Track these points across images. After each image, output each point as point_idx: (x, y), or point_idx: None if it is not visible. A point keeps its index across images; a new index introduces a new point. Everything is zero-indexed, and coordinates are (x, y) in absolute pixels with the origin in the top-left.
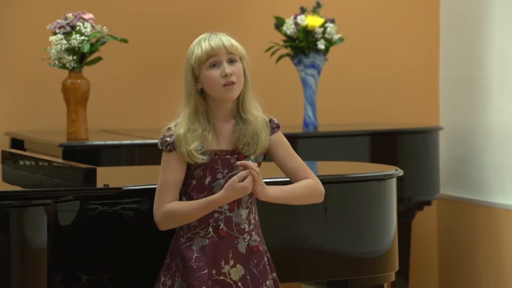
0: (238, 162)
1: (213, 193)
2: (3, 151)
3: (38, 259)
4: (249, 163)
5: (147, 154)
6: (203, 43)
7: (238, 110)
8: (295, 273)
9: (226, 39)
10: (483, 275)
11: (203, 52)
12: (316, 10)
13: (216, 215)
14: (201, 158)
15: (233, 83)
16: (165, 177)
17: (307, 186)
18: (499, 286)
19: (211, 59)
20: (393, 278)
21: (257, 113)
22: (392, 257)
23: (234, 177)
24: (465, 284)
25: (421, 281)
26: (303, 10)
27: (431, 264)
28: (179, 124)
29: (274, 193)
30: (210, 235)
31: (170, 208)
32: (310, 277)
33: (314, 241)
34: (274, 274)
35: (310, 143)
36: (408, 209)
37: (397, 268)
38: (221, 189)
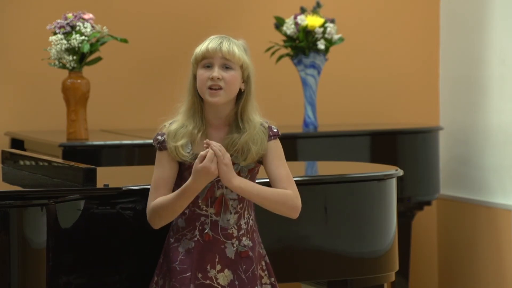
0: (205, 141)
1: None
2: (3, 151)
3: (38, 259)
4: (213, 142)
5: (147, 154)
6: (204, 43)
7: (236, 118)
8: (295, 273)
9: (226, 45)
10: (483, 275)
11: (200, 52)
12: (316, 10)
13: (202, 218)
14: (186, 156)
15: (219, 88)
16: (156, 175)
17: (280, 194)
18: (499, 286)
19: (206, 60)
20: (393, 278)
21: (256, 124)
22: (392, 257)
23: (196, 160)
24: (465, 284)
25: (421, 281)
26: (303, 10)
27: (431, 264)
28: (175, 121)
29: (240, 183)
30: (196, 238)
31: (154, 204)
32: (310, 277)
33: (314, 241)
34: (273, 279)
35: (310, 143)
36: (408, 209)
37: (397, 268)
38: None
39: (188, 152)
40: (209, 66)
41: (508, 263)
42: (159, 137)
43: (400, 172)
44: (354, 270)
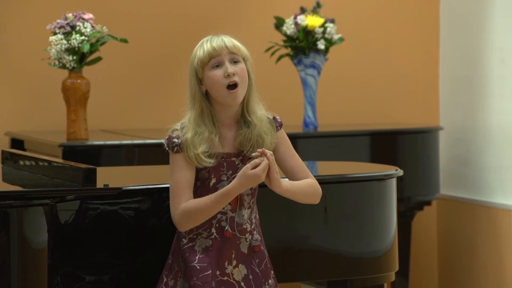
0: (254, 154)
1: None
2: (3, 151)
3: (38, 259)
4: (267, 151)
5: (147, 154)
6: (205, 45)
7: (243, 113)
8: (295, 273)
9: (228, 40)
10: (483, 275)
11: (205, 53)
12: (316, 10)
13: (219, 215)
14: (209, 162)
15: (236, 84)
16: (176, 179)
17: (311, 185)
18: (499, 286)
19: (213, 59)
20: (393, 278)
21: (262, 115)
22: (392, 257)
23: (247, 165)
24: (465, 284)
25: (421, 281)
26: (303, 10)
27: (431, 264)
28: (185, 126)
29: (287, 185)
30: (213, 236)
31: (186, 207)
32: (310, 277)
33: (314, 241)
34: (272, 272)
35: (310, 143)
36: (408, 209)
37: (397, 268)
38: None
39: (207, 152)
40: (218, 65)
41: (508, 263)
42: (176, 140)
43: (400, 172)
44: (354, 270)
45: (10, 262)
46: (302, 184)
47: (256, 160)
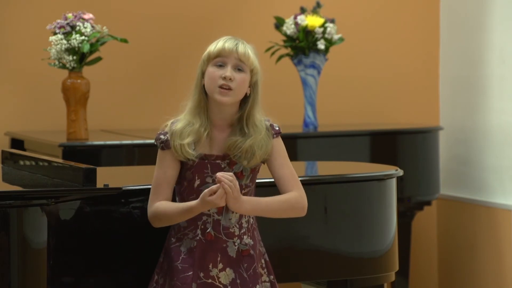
0: (217, 174)
1: None
2: (3, 151)
3: (38, 259)
4: (226, 176)
5: (147, 154)
6: (220, 42)
7: (240, 121)
8: (295, 273)
9: (242, 47)
10: (483, 275)
11: (215, 50)
12: (316, 10)
13: (204, 217)
14: (192, 154)
15: (230, 88)
16: (157, 175)
17: (286, 200)
18: (499, 286)
19: (219, 58)
20: (393, 278)
21: (262, 129)
22: (392, 257)
23: (205, 190)
24: (465, 284)
25: (421, 281)
26: (303, 10)
27: (431, 264)
28: (178, 120)
29: (247, 208)
30: (198, 237)
31: (157, 209)
32: (310, 277)
33: (314, 241)
34: (272, 277)
35: (310, 143)
36: (408, 209)
37: (397, 268)
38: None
39: (193, 149)
40: (221, 65)
41: (508, 263)
42: (162, 136)
43: (400, 172)
44: (354, 270)
45: (10, 262)
46: (272, 202)
47: (214, 187)
